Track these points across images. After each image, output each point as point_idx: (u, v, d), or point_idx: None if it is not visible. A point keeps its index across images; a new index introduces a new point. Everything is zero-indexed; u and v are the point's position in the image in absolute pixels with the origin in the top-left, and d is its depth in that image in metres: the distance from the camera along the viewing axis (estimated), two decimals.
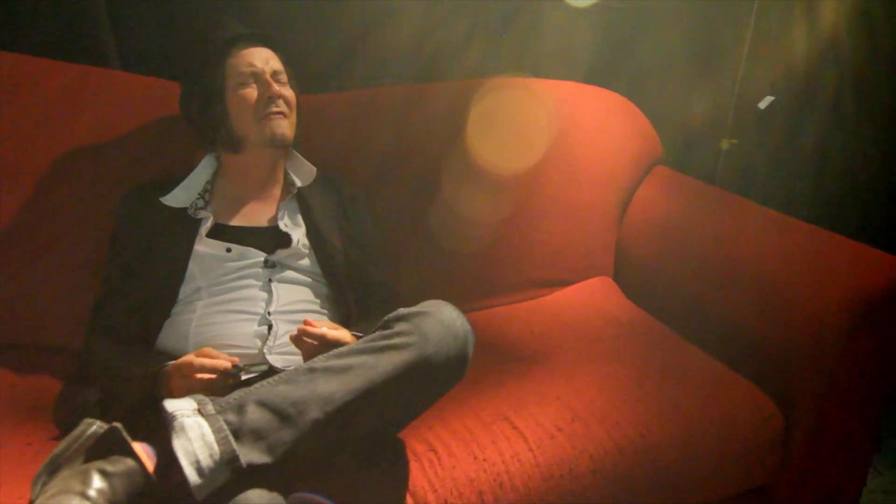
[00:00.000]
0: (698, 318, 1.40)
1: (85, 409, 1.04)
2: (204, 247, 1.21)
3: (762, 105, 1.70)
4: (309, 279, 1.26)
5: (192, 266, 1.20)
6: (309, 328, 1.05)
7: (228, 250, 1.21)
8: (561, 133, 1.66)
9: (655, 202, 1.67)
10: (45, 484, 0.80)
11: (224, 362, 0.99)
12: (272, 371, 1.10)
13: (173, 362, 1.04)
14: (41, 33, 1.55)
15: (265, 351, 1.13)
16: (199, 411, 0.84)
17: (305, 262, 1.27)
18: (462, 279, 1.58)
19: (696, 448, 1.09)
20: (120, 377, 1.07)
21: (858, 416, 1.18)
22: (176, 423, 0.82)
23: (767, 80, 1.77)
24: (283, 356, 1.14)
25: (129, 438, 0.82)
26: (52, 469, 0.81)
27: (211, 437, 0.82)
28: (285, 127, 1.24)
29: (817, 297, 1.19)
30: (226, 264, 1.20)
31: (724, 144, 1.85)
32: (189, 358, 1.01)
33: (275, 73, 1.25)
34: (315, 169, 1.33)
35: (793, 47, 1.75)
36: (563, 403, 1.13)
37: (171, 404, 0.84)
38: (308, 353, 1.05)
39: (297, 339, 1.06)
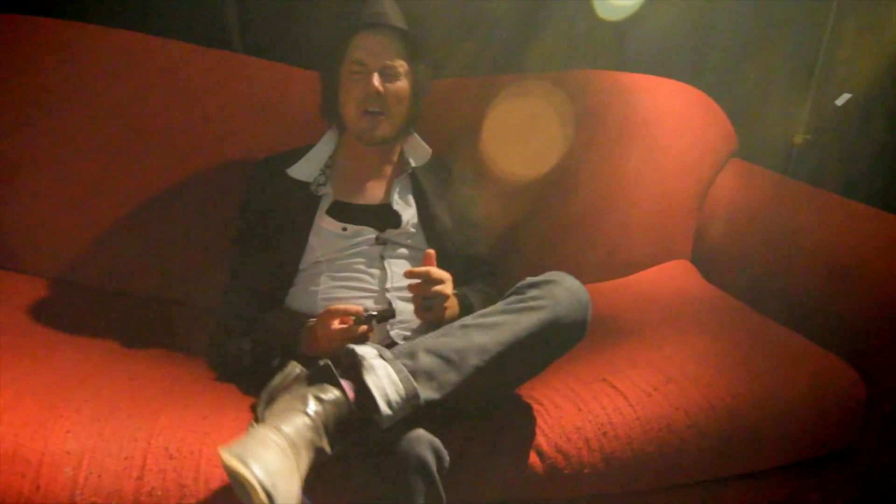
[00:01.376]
0: (776, 299, 1.49)
1: (241, 357, 1.19)
2: (323, 223, 1.32)
3: (839, 102, 1.78)
4: (418, 256, 1.33)
5: (312, 239, 1.31)
6: (414, 269, 1.18)
7: (344, 229, 1.32)
8: (646, 124, 1.76)
9: (732, 191, 1.76)
10: (265, 408, 0.95)
11: (357, 307, 1.13)
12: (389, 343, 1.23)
13: (313, 319, 1.17)
14: (170, 18, 1.71)
15: (388, 327, 1.25)
16: (381, 356, 0.98)
17: (414, 239, 1.36)
18: (551, 259, 1.68)
19: (785, 411, 1.18)
20: (268, 333, 1.22)
21: None
22: (366, 364, 0.95)
23: (844, 77, 1.84)
24: (403, 332, 1.26)
25: (337, 374, 0.95)
26: (269, 398, 0.97)
27: (395, 377, 0.95)
28: (379, 127, 1.32)
29: (893, 277, 1.28)
30: (342, 241, 1.31)
31: (798, 139, 1.93)
32: (326, 310, 1.14)
33: (385, 68, 1.30)
34: (430, 151, 1.44)
35: (871, 44, 1.82)
36: (655, 368, 1.24)
37: (359, 349, 0.97)
38: (417, 300, 1.19)
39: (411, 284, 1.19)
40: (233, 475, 0.83)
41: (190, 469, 0.93)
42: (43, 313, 1.26)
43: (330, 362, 0.97)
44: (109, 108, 1.54)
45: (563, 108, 1.73)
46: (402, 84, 1.33)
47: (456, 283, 1.37)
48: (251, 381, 1.15)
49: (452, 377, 1.00)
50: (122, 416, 0.97)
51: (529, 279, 1.12)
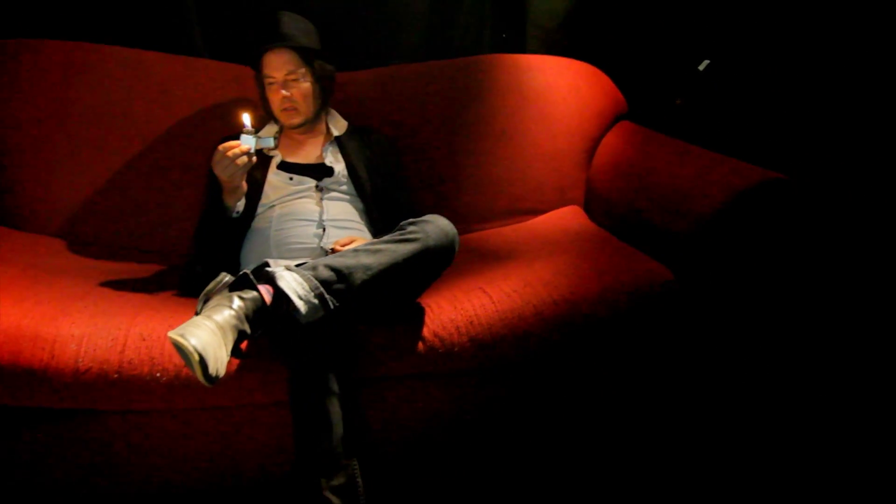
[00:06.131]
0: (633, 228, 1.86)
1: (196, 274, 1.61)
2: (274, 176, 1.76)
3: (701, 67, 2.13)
4: (348, 198, 1.79)
5: (267, 189, 1.74)
6: (338, 247, 1.59)
7: (291, 178, 1.76)
8: (539, 95, 2.14)
9: (614, 147, 2.13)
10: (202, 306, 1.31)
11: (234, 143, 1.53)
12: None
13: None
14: (139, 28, 2.12)
15: (322, 245, 1.66)
16: (288, 269, 1.35)
17: (344, 187, 1.80)
18: (463, 209, 2.08)
19: (612, 302, 1.55)
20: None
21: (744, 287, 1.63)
22: (277, 274, 1.33)
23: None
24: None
25: (254, 280, 1.33)
26: (205, 299, 1.33)
27: (300, 279, 1.32)
28: (294, 118, 1.77)
29: (707, 198, 1.65)
30: (290, 188, 1.74)
31: (679, 101, 2.29)
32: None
33: (288, 75, 1.73)
34: (346, 123, 1.89)
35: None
36: (520, 278, 1.61)
37: (271, 268, 1.35)
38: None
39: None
40: (177, 346, 1.19)
41: (157, 347, 1.34)
42: (55, 256, 1.69)
43: (249, 272, 1.35)
44: (104, 109, 1.95)
45: (469, 89, 2.13)
46: (305, 84, 1.77)
47: (376, 220, 1.79)
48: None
49: (342, 287, 1.36)
50: (111, 315, 1.38)
51: (411, 219, 1.49)
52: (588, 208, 2.13)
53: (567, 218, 2.06)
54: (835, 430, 1.68)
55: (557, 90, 2.16)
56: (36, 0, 2.05)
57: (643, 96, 2.35)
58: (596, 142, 2.18)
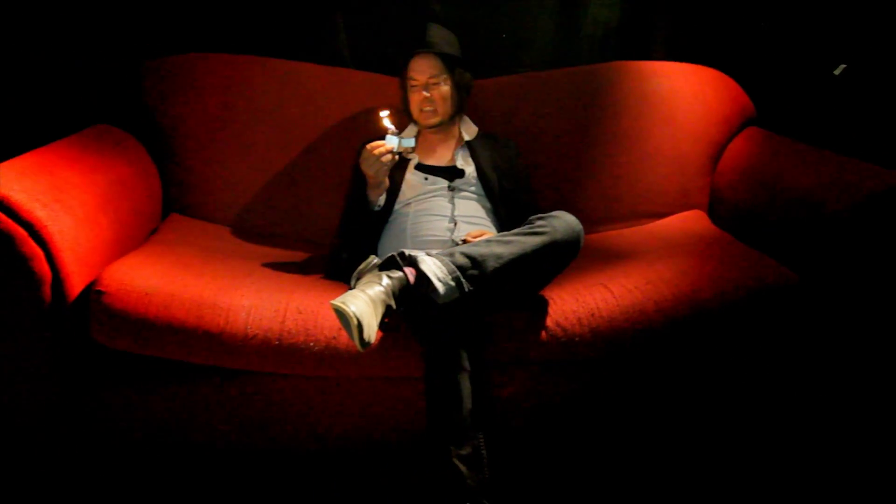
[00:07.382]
0: (761, 232, 1.86)
1: (340, 260, 1.78)
2: (411, 175, 1.92)
3: (837, 72, 2.09)
4: (476, 197, 1.93)
5: (404, 187, 1.90)
6: (468, 238, 1.73)
7: (426, 178, 1.91)
8: (663, 101, 2.19)
9: (742, 152, 2.13)
10: (355, 283, 1.49)
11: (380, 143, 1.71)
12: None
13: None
14: (293, 41, 2.35)
15: (453, 238, 1.80)
16: (428, 254, 1.50)
17: (473, 188, 1.93)
18: (585, 211, 2.13)
19: (736, 302, 1.58)
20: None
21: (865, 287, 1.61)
22: (419, 258, 1.48)
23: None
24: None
25: (400, 262, 1.49)
26: (357, 276, 1.51)
27: (439, 263, 1.47)
28: (431, 118, 1.93)
29: (836, 203, 1.64)
30: (425, 187, 1.90)
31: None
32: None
33: (430, 79, 1.90)
34: (477, 129, 2.03)
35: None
36: (641, 276, 1.66)
37: (412, 253, 1.50)
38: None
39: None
40: (338, 312, 1.36)
41: (311, 319, 1.52)
42: (222, 240, 1.95)
43: (396, 255, 1.51)
44: (261, 115, 2.19)
45: (593, 95, 2.21)
46: (445, 88, 1.93)
47: (503, 219, 1.91)
48: (347, 278, 1.69)
49: (475, 272, 1.49)
50: (272, 291, 1.58)
51: (539, 214, 1.60)
52: (712, 213, 2.15)
53: (689, 221, 2.08)
54: None
55: (682, 96, 2.19)
56: (206, 19, 2.34)
57: (775, 102, 2.32)
58: (721, 147, 2.18)
